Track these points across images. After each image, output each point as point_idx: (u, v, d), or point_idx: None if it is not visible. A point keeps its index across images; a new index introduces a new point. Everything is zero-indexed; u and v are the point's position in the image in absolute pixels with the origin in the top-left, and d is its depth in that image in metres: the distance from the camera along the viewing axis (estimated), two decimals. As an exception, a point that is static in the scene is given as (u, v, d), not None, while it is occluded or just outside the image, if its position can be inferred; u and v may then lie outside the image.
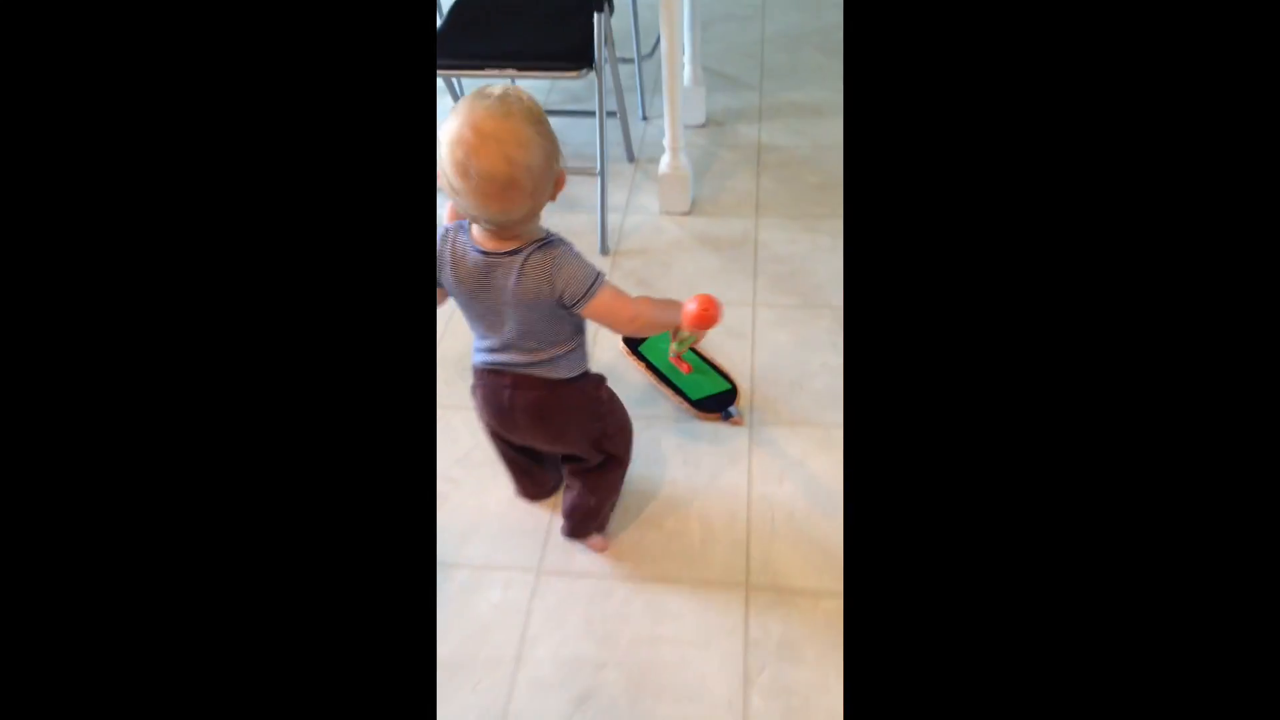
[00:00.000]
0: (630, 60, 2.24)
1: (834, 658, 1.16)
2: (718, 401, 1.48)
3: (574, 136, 2.15)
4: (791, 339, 1.61)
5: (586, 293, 1.01)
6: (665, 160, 1.86)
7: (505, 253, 1.00)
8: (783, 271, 1.75)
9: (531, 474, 1.31)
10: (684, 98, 2.04)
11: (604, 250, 1.85)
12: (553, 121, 0.97)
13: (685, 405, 1.49)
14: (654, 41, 2.20)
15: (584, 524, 1.28)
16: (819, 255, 1.78)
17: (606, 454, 1.21)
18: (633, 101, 2.25)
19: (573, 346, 1.10)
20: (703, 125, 2.16)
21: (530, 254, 0.99)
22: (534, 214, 0.99)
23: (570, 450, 1.20)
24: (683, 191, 1.89)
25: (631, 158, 2.11)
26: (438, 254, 1.03)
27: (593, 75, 1.71)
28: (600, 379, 1.19)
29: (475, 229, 1.02)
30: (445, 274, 1.04)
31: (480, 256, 1.01)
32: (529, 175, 0.92)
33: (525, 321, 1.04)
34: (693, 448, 1.44)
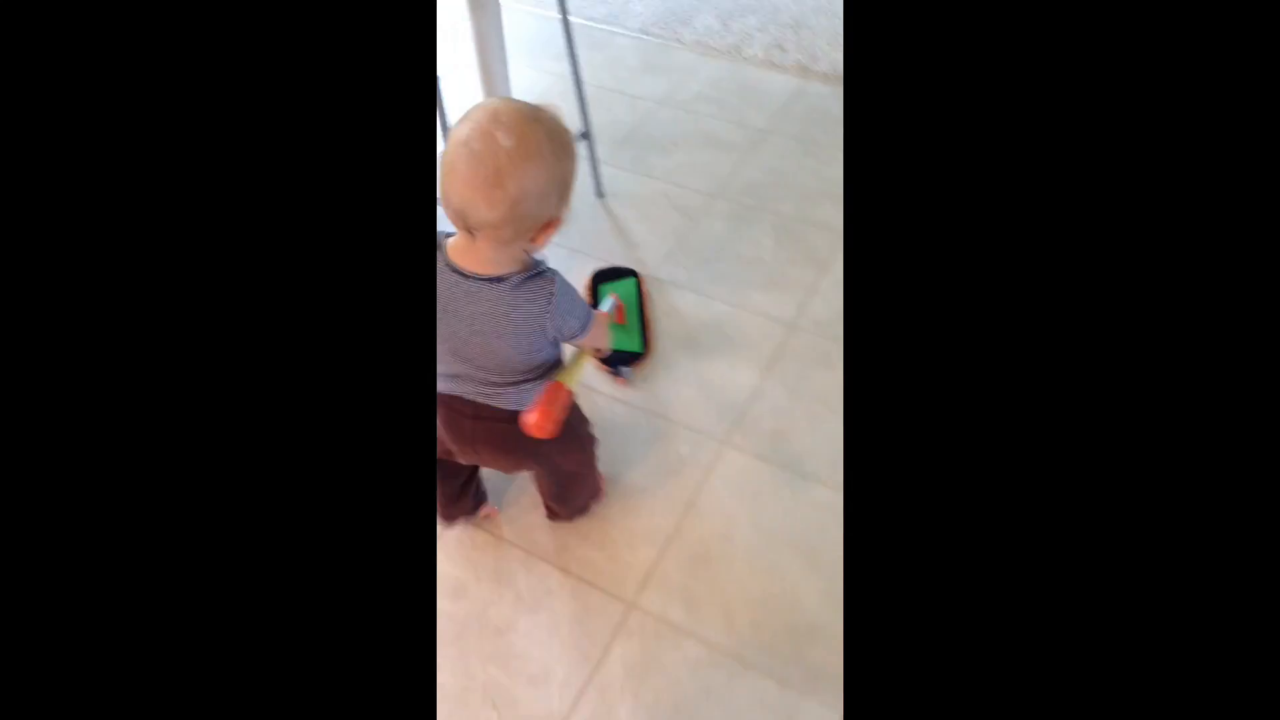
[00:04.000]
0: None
1: None
2: (618, 359, 1.45)
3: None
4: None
5: (582, 329, 0.95)
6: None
7: (489, 278, 0.89)
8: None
9: (455, 501, 1.21)
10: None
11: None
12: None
13: None
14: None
15: (580, 510, 1.24)
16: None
17: (575, 464, 1.14)
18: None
19: (542, 374, 0.99)
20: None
21: (524, 282, 0.89)
22: (516, 238, 0.86)
23: (533, 469, 1.15)
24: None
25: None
26: None
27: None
28: None
29: (452, 244, 0.91)
30: None
31: (456, 277, 0.89)
32: (520, 182, 0.80)
33: (500, 353, 0.93)
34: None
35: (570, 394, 0.97)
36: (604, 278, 1.63)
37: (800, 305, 1.61)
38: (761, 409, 1.43)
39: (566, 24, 1.60)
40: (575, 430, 1.11)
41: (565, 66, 1.66)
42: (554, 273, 0.92)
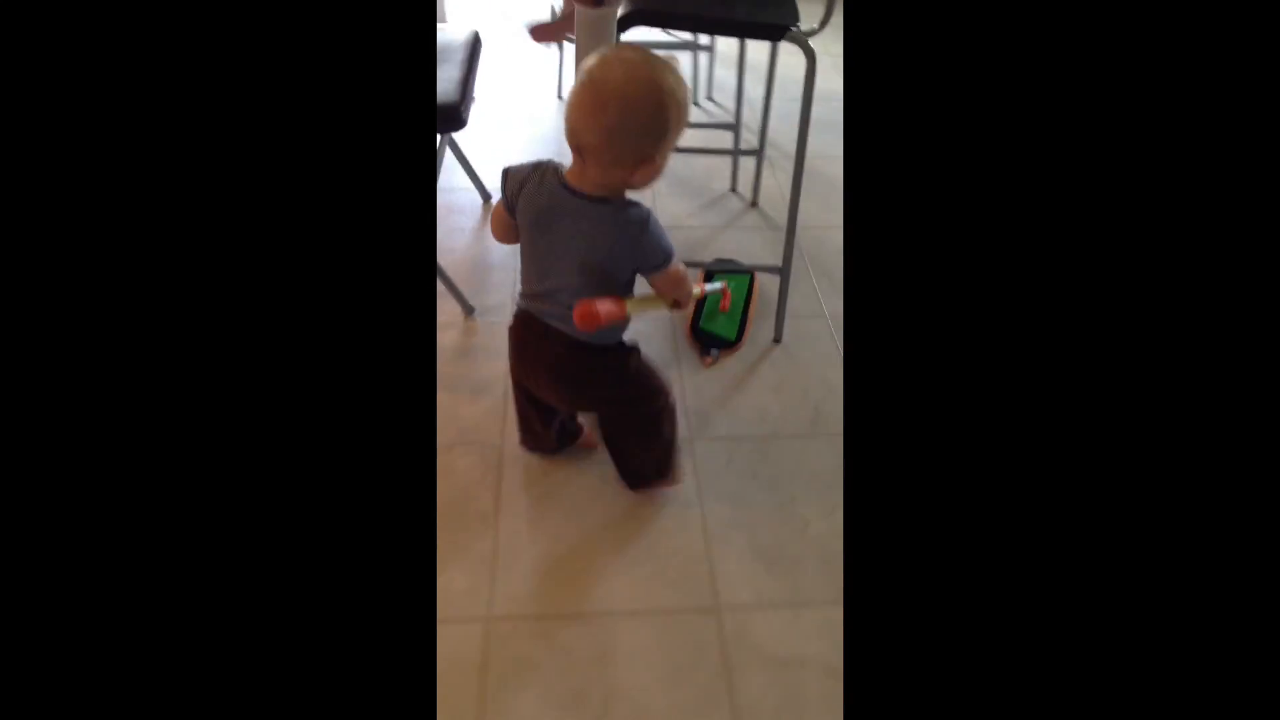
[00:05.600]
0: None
1: None
2: (710, 340, 1.55)
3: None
4: None
5: (664, 263, 1.01)
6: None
7: (593, 198, 0.98)
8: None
9: (534, 430, 1.28)
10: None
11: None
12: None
13: (688, 323, 1.58)
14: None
15: (641, 479, 1.25)
16: None
17: (639, 415, 1.16)
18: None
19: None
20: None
21: (625, 208, 0.98)
22: (615, 164, 0.95)
23: (589, 411, 1.20)
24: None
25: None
26: (524, 176, 1.02)
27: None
28: (631, 349, 1.13)
29: (569, 169, 1.00)
30: (520, 197, 1.02)
31: (564, 192, 0.99)
32: (621, 112, 0.90)
33: (582, 273, 1.00)
34: None
35: (625, 314, 1.01)
36: (720, 269, 1.70)
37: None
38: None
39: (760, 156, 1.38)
40: (640, 378, 1.13)
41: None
42: (647, 208, 1.00)
